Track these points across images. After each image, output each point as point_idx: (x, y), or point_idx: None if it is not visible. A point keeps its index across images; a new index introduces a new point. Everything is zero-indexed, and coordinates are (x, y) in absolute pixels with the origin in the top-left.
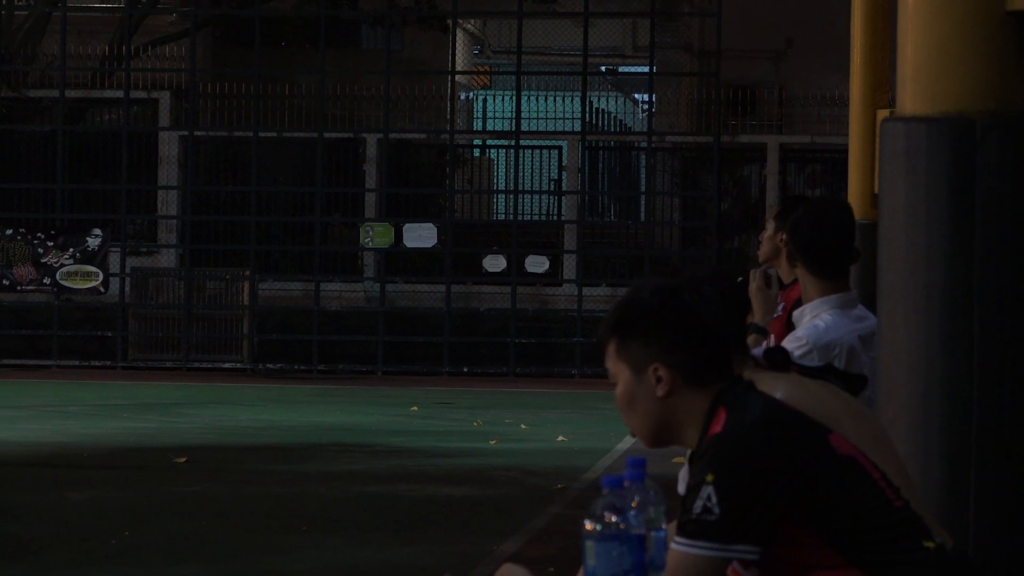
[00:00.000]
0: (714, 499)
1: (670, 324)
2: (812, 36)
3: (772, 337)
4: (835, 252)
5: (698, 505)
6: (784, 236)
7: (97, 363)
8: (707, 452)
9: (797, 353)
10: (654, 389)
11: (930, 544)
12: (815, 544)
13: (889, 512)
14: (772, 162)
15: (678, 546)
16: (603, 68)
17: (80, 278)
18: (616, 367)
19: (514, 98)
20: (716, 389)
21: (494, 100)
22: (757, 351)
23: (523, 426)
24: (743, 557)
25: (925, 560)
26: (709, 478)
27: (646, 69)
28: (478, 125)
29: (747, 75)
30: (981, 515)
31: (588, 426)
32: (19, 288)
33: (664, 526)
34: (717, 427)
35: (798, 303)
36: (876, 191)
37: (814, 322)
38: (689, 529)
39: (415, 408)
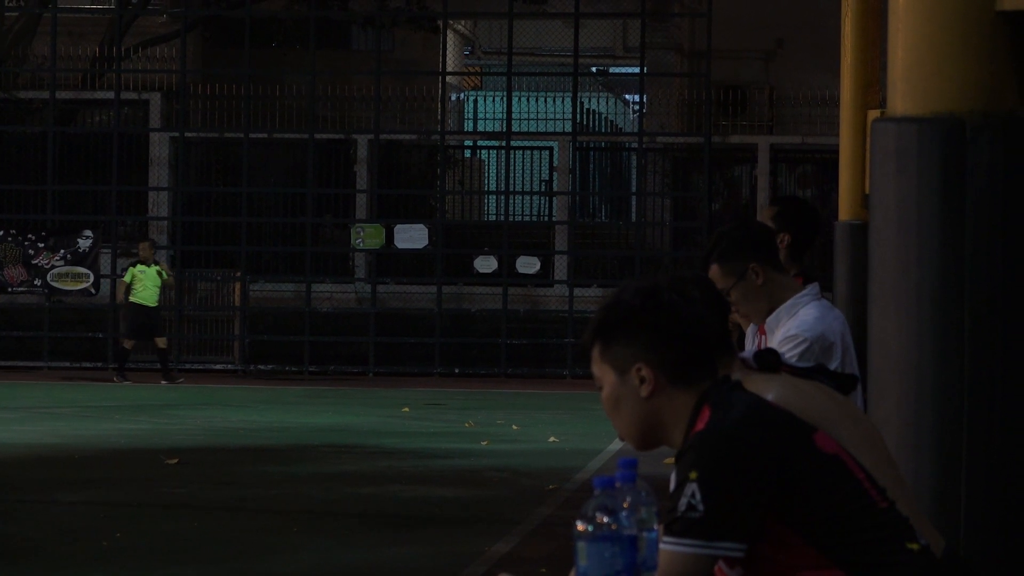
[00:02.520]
0: (698, 496)
1: (651, 323)
2: (803, 36)
3: (763, 338)
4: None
5: (683, 503)
6: (787, 237)
7: (88, 364)
8: (690, 449)
9: (796, 352)
10: (638, 390)
11: (914, 546)
12: (798, 544)
13: (873, 513)
14: (763, 162)
15: (666, 545)
16: (594, 69)
17: (71, 279)
18: (601, 370)
19: (505, 99)
20: (701, 388)
21: (485, 101)
22: (747, 353)
23: (515, 427)
24: (728, 554)
25: (909, 561)
26: (693, 475)
27: (637, 70)
28: (469, 126)
29: (738, 76)
30: (972, 514)
31: (579, 427)
32: (9, 289)
33: (656, 527)
34: (701, 425)
35: None
36: (867, 191)
37: (800, 317)
38: (675, 528)
39: (406, 409)
